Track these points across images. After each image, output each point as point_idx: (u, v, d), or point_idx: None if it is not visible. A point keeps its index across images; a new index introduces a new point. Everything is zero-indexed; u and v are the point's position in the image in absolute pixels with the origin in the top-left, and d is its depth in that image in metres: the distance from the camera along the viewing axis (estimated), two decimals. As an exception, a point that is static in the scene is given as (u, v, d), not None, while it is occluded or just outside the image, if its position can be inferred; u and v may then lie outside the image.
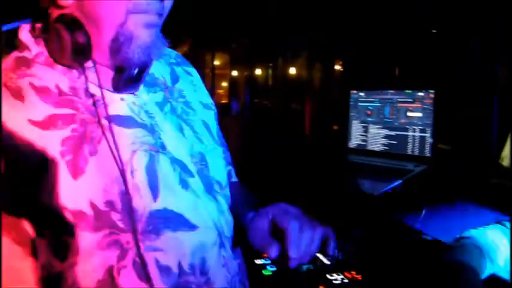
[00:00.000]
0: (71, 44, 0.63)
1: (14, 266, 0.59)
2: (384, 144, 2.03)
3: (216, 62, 6.97)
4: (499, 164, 1.67)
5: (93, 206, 0.60)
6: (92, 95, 0.66)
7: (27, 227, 0.58)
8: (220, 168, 0.81)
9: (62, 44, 0.63)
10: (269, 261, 1.39)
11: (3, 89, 0.62)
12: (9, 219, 0.58)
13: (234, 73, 7.31)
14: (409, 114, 1.95)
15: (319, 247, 0.70)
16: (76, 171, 0.60)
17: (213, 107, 0.88)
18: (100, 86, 0.66)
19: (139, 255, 0.62)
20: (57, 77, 0.65)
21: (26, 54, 0.66)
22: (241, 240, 0.79)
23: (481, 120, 2.16)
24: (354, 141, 2.14)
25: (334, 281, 1.13)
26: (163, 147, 0.70)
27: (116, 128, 0.65)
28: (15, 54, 0.66)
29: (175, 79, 0.82)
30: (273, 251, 0.68)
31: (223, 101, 6.59)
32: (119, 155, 0.64)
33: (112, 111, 0.66)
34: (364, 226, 1.46)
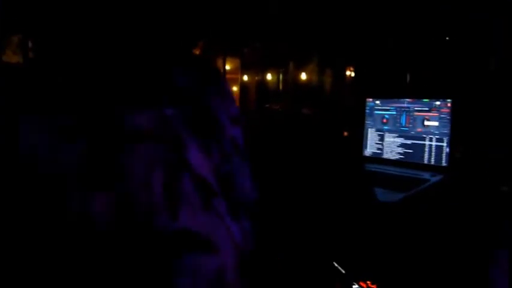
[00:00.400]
0: None
1: None
2: (399, 153, 2.02)
3: (228, 67, 6.99)
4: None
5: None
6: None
7: None
8: (247, 188, 0.78)
9: None
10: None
11: None
12: None
13: (245, 78, 7.32)
14: (426, 123, 1.94)
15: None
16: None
17: (241, 120, 0.83)
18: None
19: (157, 277, 0.58)
20: None
21: None
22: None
23: (500, 128, 2.14)
24: (370, 150, 2.14)
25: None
26: (186, 165, 0.65)
27: (133, 144, 0.60)
28: None
29: (202, 91, 0.77)
30: None
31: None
32: (136, 171, 0.59)
33: (131, 126, 0.61)
34: (380, 235, 1.45)
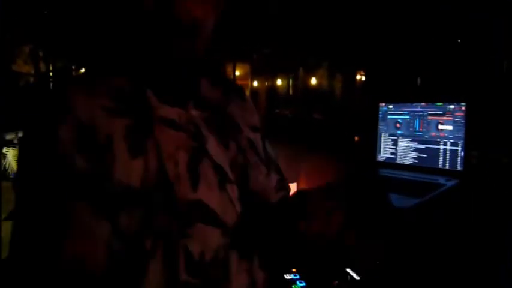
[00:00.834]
0: None
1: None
2: (413, 158, 2.00)
3: (238, 73, 7.01)
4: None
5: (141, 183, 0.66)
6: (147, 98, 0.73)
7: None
8: (261, 185, 0.83)
9: None
10: (298, 276, 1.38)
11: None
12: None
13: (255, 83, 7.33)
14: (440, 127, 1.92)
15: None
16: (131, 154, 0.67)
17: (261, 129, 0.92)
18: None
19: (173, 237, 0.66)
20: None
21: None
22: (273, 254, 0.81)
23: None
24: (383, 155, 2.12)
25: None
26: (205, 152, 0.74)
27: (163, 127, 0.71)
28: None
29: (225, 102, 0.86)
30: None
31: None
32: (163, 148, 0.69)
33: (162, 114, 0.72)
34: (396, 241, 1.44)
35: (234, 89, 0.93)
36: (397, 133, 2.07)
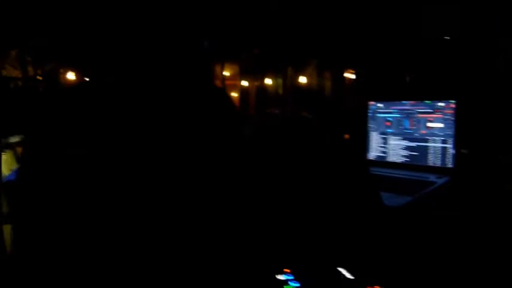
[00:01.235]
0: None
1: None
2: (404, 156, 2.00)
3: (227, 73, 6.99)
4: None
5: None
6: None
7: None
8: None
9: None
10: (292, 277, 1.37)
11: None
12: None
13: (245, 83, 7.32)
14: (429, 125, 1.92)
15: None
16: None
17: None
18: None
19: None
20: None
21: None
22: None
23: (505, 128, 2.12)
24: (373, 153, 2.12)
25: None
26: None
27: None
28: None
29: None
30: None
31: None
32: None
33: None
34: (388, 240, 1.44)
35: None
36: (387, 131, 2.07)
